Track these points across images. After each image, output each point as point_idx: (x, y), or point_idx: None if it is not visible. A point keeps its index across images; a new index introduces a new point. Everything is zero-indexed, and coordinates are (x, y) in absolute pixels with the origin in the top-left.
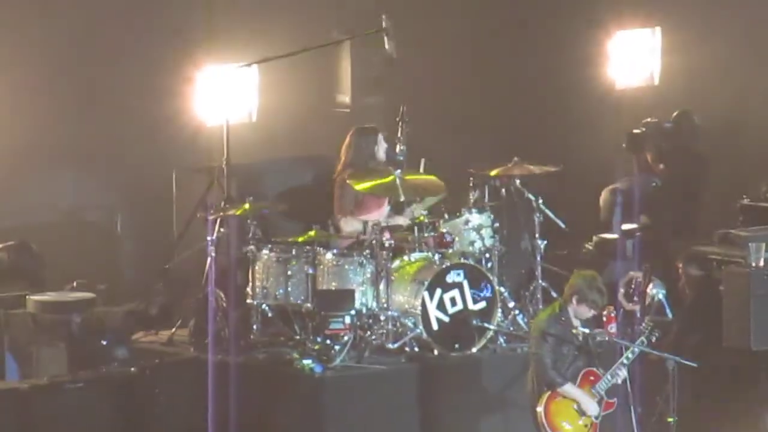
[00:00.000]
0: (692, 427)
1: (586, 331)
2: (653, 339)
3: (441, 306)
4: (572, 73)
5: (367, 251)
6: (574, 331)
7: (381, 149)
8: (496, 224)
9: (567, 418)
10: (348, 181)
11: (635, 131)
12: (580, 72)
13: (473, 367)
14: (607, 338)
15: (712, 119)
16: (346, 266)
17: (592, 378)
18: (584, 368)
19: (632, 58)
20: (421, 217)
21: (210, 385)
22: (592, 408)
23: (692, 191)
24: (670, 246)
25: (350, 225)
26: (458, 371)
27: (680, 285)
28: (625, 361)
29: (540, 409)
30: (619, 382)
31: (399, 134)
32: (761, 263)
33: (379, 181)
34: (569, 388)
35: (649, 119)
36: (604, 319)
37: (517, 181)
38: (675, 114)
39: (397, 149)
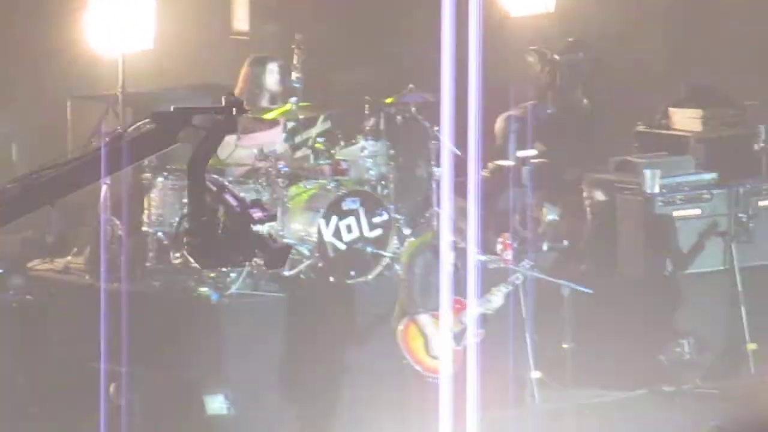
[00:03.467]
0: (588, 354)
1: (483, 258)
2: (530, 266)
3: (337, 233)
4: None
5: (263, 179)
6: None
7: (270, 78)
8: (392, 152)
9: (421, 346)
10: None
11: (527, 57)
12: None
13: (369, 293)
14: (502, 265)
15: (608, 47)
16: (242, 194)
17: (458, 306)
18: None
19: None
20: (319, 144)
21: (103, 313)
22: (435, 348)
23: (587, 118)
24: (566, 173)
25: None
26: (354, 298)
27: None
28: (503, 290)
29: (400, 327)
30: (490, 311)
31: (295, 62)
32: (656, 189)
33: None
34: (424, 320)
35: (540, 47)
36: (501, 246)
37: (413, 109)
38: (569, 41)
39: (293, 77)
